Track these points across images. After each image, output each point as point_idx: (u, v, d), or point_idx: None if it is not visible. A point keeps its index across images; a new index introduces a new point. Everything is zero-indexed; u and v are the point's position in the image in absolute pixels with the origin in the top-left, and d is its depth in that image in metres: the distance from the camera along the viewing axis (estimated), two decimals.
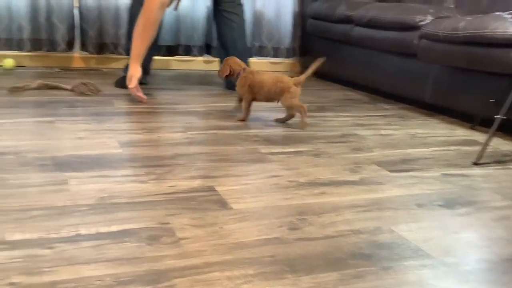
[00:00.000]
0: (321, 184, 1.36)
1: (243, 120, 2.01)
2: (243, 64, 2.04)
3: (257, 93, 1.98)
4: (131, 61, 2.18)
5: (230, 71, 2.03)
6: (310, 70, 1.97)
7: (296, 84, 1.96)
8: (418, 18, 2.44)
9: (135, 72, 2.16)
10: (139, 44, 2.16)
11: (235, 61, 2.04)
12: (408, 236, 1.08)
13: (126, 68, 2.61)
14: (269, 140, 1.75)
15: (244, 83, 1.98)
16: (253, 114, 2.12)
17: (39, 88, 2.29)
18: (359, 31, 2.82)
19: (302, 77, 1.97)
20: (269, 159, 1.54)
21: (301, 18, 3.44)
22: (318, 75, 3.45)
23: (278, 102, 1.99)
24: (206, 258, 0.92)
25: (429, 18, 2.42)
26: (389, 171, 1.50)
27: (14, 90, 2.21)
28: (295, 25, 3.44)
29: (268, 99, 2.00)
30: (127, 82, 2.18)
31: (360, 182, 1.39)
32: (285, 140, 1.76)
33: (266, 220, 1.10)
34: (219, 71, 2.08)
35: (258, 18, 3.34)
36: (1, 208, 1.06)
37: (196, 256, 0.93)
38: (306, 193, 1.28)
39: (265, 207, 1.17)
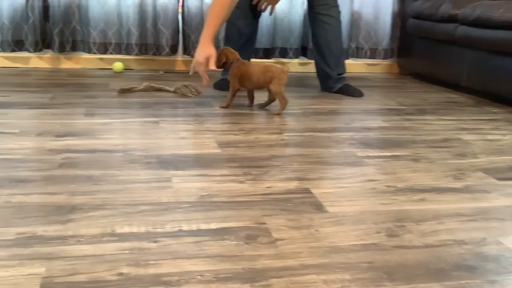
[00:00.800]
0: (421, 190, 1.31)
1: (226, 107, 2.17)
2: (237, 55, 2.16)
3: (246, 82, 2.14)
4: (204, 40, 2.13)
5: (226, 59, 2.16)
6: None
7: (283, 73, 2.09)
8: None
9: (212, 52, 2.11)
10: (213, 23, 2.14)
11: (230, 50, 2.18)
12: None
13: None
14: (365, 144, 1.71)
15: (236, 73, 2.13)
16: (348, 117, 2.10)
17: (145, 90, 2.42)
18: (464, 31, 2.68)
19: (287, 66, 2.13)
20: (365, 162, 1.51)
21: (401, 18, 3.34)
22: (418, 76, 3.32)
23: (266, 89, 2.15)
24: (302, 260, 0.93)
25: None
26: (496, 179, 1.41)
27: (123, 92, 2.36)
28: (394, 25, 3.34)
29: (258, 87, 2.15)
30: (200, 58, 2.12)
31: (464, 190, 1.32)
32: (382, 144, 1.72)
33: (363, 225, 1.09)
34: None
35: (355, 19, 3.29)
36: (111, 202, 1.14)
37: (292, 258, 0.94)
38: (405, 199, 1.25)
39: (362, 212, 1.16)
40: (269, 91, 2.14)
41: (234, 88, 2.15)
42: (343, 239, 1.02)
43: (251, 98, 2.23)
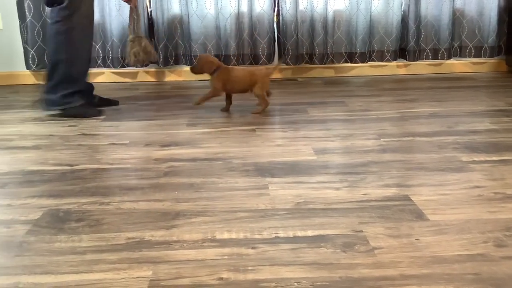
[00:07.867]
0: None
1: (199, 104, 2.24)
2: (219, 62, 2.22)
3: (231, 88, 2.21)
4: None
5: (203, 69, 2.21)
6: (276, 66, 2.28)
7: (266, 76, 2.19)
8: None
9: None
10: None
11: (209, 59, 2.22)
12: None
13: None
14: (470, 148, 1.62)
15: (221, 78, 2.18)
16: (451, 120, 2.00)
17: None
18: None
19: (270, 69, 2.22)
20: (470, 168, 1.44)
21: (508, 13, 3.12)
22: None
23: (251, 92, 2.21)
24: (401, 270, 0.90)
25: None
26: None
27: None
28: (500, 21, 3.13)
29: (242, 91, 2.21)
30: None
31: None
32: (490, 148, 1.62)
33: (468, 235, 1.03)
34: (193, 68, 2.25)
35: (458, 17, 3.14)
36: (212, 209, 1.19)
37: (391, 267, 0.92)
38: None
39: (467, 220, 1.10)
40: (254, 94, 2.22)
41: (216, 92, 2.20)
42: (446, 249, 0.98)
43: (230, 102, 2.28)
